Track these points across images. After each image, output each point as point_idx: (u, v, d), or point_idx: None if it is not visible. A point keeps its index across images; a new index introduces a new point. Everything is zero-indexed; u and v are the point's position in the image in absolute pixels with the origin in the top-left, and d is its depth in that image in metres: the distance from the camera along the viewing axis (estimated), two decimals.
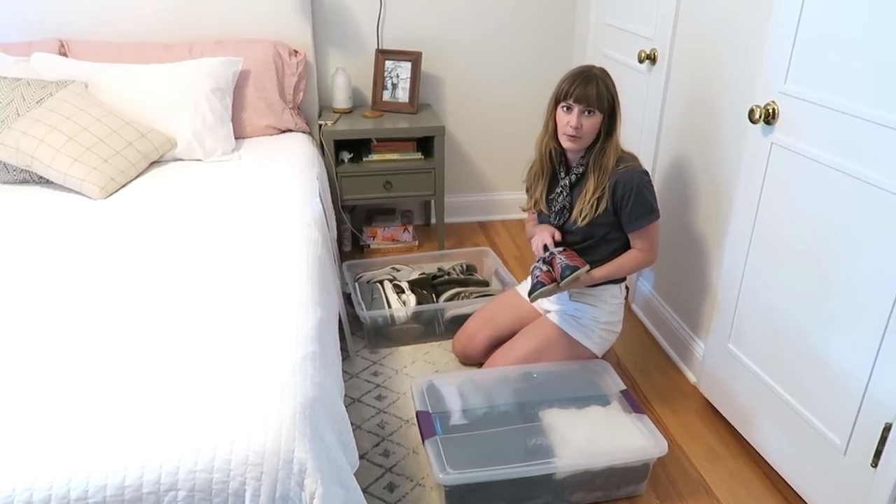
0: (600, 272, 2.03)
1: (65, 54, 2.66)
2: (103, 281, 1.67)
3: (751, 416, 1.96)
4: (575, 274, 1.95)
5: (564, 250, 2.02)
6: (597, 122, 1.95)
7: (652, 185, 2.01)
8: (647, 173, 2.01)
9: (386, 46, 3.09)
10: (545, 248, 2.04)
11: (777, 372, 1.84)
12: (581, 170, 2.02)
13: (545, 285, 1.98)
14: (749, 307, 1.94)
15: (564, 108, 1.96)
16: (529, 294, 2.02)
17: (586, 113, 1.93)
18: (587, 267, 1.98)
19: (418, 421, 1.89)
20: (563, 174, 2.07)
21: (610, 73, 2.00)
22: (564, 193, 2.06)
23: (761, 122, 1.78)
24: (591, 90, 1.91)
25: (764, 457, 1.93)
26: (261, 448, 1.19)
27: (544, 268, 2.02)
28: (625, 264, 2.06)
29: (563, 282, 1.97)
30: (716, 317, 2.10)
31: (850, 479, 1.61)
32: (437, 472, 1.68)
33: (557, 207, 2.07)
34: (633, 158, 2.02)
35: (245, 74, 2.74)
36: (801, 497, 1.80)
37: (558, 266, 1.98)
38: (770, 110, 1.75)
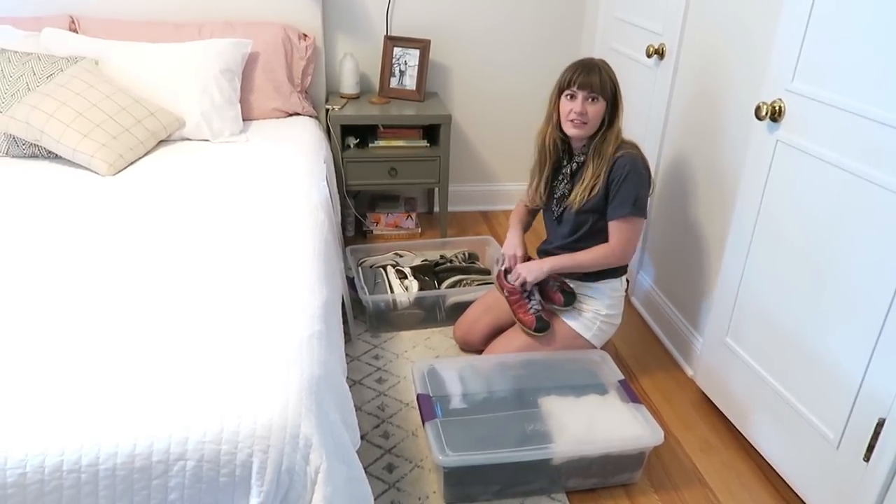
0: (550, 263, 2.07)
1: (75, 30, 2.67)
2: (113, 257, 1.69)
3: (746, 409, 1.99)
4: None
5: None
6: (601, 109, 1.98)
7: (647, 183, 2.03)
8: (647, 169, 2.03)
9: (395, 33, 3.10)
10: (522, 287, 2.13)
11: (773, 366, 1.87)
12: (583, 158, 2.05)
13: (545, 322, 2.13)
14: (748, 302, 1.96)
15: (568, 97, 1.99)
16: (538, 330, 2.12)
17: (590, 100, 1.96)
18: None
19: (419, 403, 1.91)
20: (565, 162, 2.10)
21: (617, 67, 2.04)
22: (566, 181, 2.09)
23: (767, 120, 1.80)
24: (595, 77, 1.95)
25: (757, 449, 1.96)
26: (268, 422, 1.21)
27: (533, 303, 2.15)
28: (583, 258, 2.06)
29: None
30: (714, 311, 2.12)
31: (842, 472, 1.64)
32: (436, 453, 1.71)
33: (558, 194, 2.10)
34: (634, 147, 2.05)
35: (254, 57, 2.75)
36: (793, 489, 1.83)
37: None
38: (776, 108, 1.77)
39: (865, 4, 1.51)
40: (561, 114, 2.02)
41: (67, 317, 1.44)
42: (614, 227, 2.03)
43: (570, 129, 2.02)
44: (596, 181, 2.00)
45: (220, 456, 1.18)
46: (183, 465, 1.17)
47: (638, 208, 2.01)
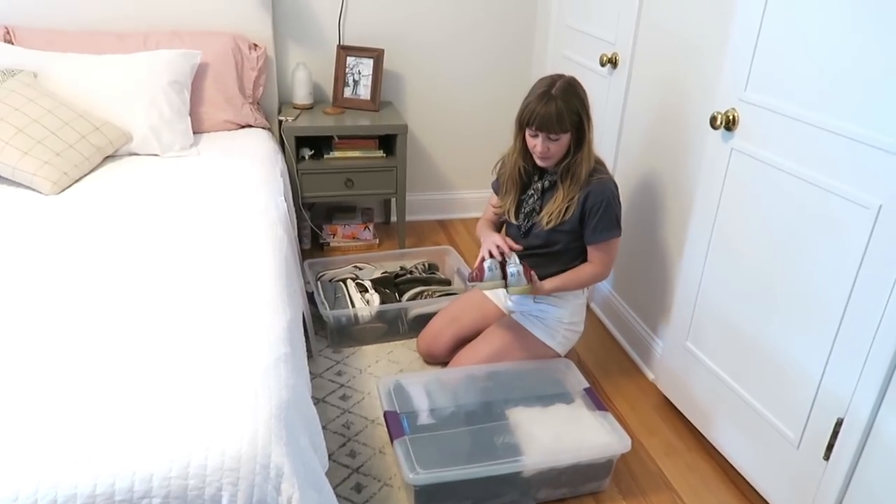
0: (551, 284, 2.04)
1: (10, 42, 2.55)
2: (60, 282, 1.60)
3: (707, 412, 2.03)
4: (521, 288, 1.96)
5: (521, 260, 2.01)
6: (563, 144, 1.96)
7: (620, 201, 2.05)
8: (617, 187, 2.04)
9: (347, 42, 3.07)
10: (499, 252, 2.01)
11: (733, 369, 1.91)
12: (555, 178, 2.05)
13: (498, 278, 1.97)
14: (707, 306, 2.00)
15: (531, 134, 1.98)
16: (471, 280, 2.01)
17: (550, 137, 1.94)
18: (530, 286, 1.98)
19: (386, 421, 1.88)
20: (536, 178, 2.10)
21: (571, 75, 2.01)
22: (535, 196, 2.08)
23: (722, 129, 1.84)
24: (552, 116, 1.90)
25: (720, 451, 2.00)
26: (237, 453, 1.17)
27: (495, 267, 1.99)
28: (576, 278, 2.07)
29: (510, 289, 1.97)
30: (674, 315, 2.16)
31: (802, 471, 1.68)
32: (406, 472, 1.68)
33: (527, 210, 2.09)
34: (603, 166, 2.06)
35: (203, 67, 2.67)
36: (755, 489, 1.87)
37: (508, 272, 1.98)
38: (730, 117, 1.81)
39: (815, 16, 1.56)
40: (527, 145, 2.01)
41: (14, 347, 1.36)
42: (598, 248, 2.04)
43: (538, 161, 2.02)
44: (569, 203, 2.00)
45: (187, 491, 1.13)
46: (148, 503, 1.11)
47: (619, 229, 2.04)
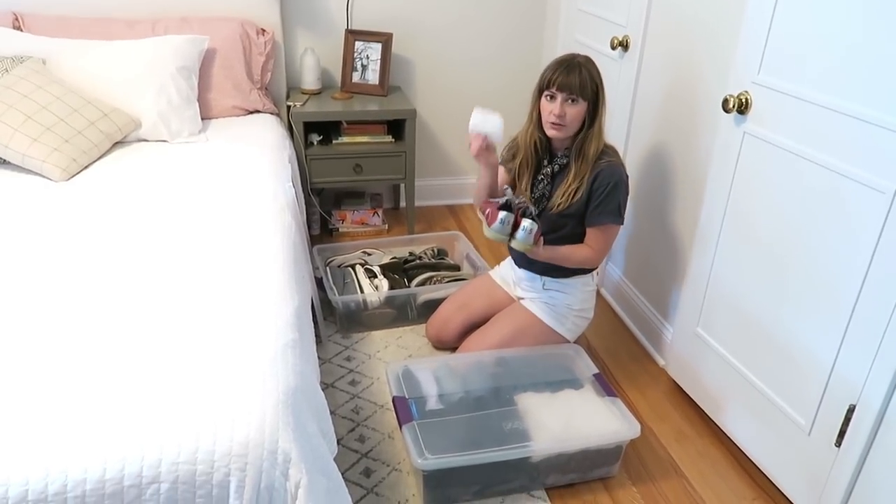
0: (547, 252, 1.98)
1: (19, 28, 2.55)
2: (70, 268, 1.61)
3: (718, 398, 2.02)
4: (524, 245, 1.91)
5: (538, 218, 1.93)
6: (581, 111, 1.94)
7: (628, 190, 2.03)
8: (627, 176, 2.02)
9: (355, 27, 3.04)
10: (508, 203, 1.92)
11: (744, 355, 1.90)
12: (565, 160, 2.03)
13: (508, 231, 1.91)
14: (718, 292, 1.98)
15: (548, 97, 1.95)
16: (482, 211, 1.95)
17: (570, 101, 1.92)
18: (532, 248, 1.92)
19: (395, 406, 1.89)
20: (546, 162, 2.08)
21: None
22: (546, 181, 2.06)
23: (734, 112, 1.81)
24: (574, 78, 1.91)
25: (731, 437, 1.99)
26: (245, 439, 1.17)
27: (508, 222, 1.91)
28: (569, 255, 2.04)
29: (514, 241, 1.92)
30: (685, 301, 2.14)
31: (814, 458, 1.67)
32: (415, 457, 1.69)
33: (537, 194, 2.08)
34: (615, 153, 2.04)
35: (211, 53, 2.66)
36: (766, 476, 1.86)
37: (521, 225, 1.91)
38: (743, 100, 1.78)
39: None
40: (542, 114, 1.99)
41: (23, 333, 1.37)
42: (595, 233, 2.02)
43: (549, 130, 1.99)
44: (579, 184, 1.98)
45: (195, 476, 1.14)
46: (157, 487, 1.12)
47: (620, 217, 2.02)
